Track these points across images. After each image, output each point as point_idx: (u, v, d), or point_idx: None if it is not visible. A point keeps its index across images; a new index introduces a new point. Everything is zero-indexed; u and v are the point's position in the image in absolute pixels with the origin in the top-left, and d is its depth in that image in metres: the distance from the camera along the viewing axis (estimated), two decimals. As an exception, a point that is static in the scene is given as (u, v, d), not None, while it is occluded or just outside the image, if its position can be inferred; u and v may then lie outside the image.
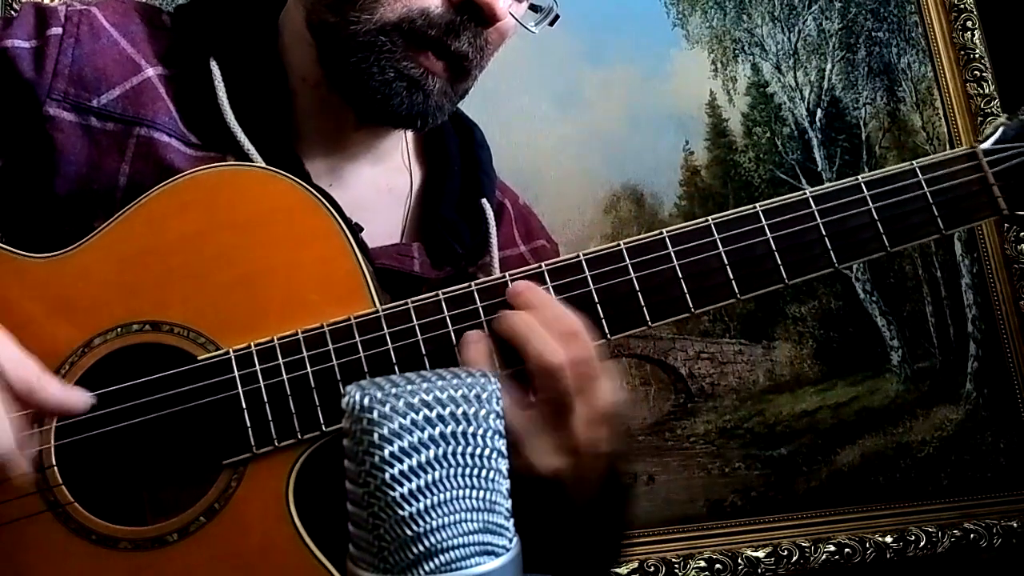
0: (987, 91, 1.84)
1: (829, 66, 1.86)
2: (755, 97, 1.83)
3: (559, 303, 0.78)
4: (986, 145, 0.85)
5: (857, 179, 0.84)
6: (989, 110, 1.83)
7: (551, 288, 0.80)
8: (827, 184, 0.84)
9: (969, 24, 1.86)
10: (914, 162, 0.85)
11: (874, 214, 0.83)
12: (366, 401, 0.47)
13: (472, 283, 0.80)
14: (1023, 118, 0.85)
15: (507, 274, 0.81)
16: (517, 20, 0.92)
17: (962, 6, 1.87)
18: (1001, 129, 0.85)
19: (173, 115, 0.88)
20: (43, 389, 0.70)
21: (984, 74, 1.84)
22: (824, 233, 0.82)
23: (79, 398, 0.73)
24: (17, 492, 0.74)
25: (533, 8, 0.95)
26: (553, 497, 0.77)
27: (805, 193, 0.83)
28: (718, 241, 0.82)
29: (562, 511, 0.79)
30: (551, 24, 0.96)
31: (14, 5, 1.57)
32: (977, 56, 1.85)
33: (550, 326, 0.76)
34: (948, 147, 1.81)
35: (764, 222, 0.82)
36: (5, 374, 0.69)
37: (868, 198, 0.83)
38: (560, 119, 1.75)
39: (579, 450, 0.77)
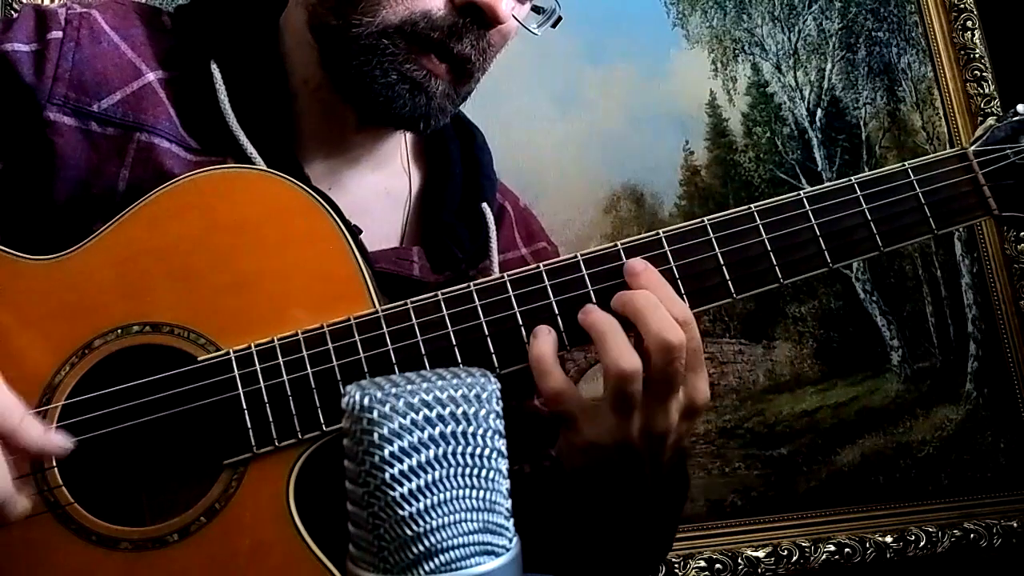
0: (987, 91, 1.83)
1: (829, 66, 1.85)
2: (755, 97, 1.83)
3: (670, 288, 0.79)
4: (976, 146, 0.86)
5: (850, 180, 0.84)
6: (989, 110, 1.82)
7: (549, 289, 0.80)
8: (821, 185, 0.85)
9: (969, 24, 1.86)
10: (906, 163, 0.85)
11: (867, 214, 0.83)
12: (366, 401, 0.48)
13: (471, 283, 0.81)
14: (1013, 120, 0.85)
15: (505, 275, 0.81)
16: (519, 22, 0.92)
17: (962, 6, 1.87)
18: (991, 130, 0.86)
19: (173, 120, 0.88)
20: (23, 433, 0.71)
21: (984, 74, 1.84)
22: (818, 233, 0.82)
23: (59, 443, 0.73)
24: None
25: (535, 9, 0.95)
26: (628, 473, 0.79)
27: (799, 194, 0.83)
28: (714, 241, 0.82)
29: (633, 490, 0.81)
30: (553, 26, 0.96)
31: (14, 5, 1.57)
32: (977, 56, 1.85)
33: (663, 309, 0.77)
34: (948, 147, 1.81)
35: (759, 222, 0.82)
36: None
37: (861, 198, 0.83)
38: (560, 119, 1.75)
39: (667, 433, 0.78)
